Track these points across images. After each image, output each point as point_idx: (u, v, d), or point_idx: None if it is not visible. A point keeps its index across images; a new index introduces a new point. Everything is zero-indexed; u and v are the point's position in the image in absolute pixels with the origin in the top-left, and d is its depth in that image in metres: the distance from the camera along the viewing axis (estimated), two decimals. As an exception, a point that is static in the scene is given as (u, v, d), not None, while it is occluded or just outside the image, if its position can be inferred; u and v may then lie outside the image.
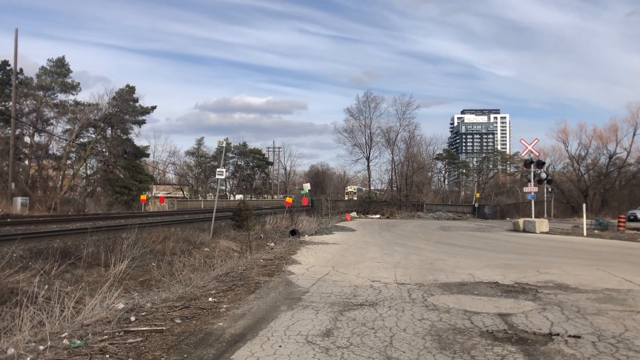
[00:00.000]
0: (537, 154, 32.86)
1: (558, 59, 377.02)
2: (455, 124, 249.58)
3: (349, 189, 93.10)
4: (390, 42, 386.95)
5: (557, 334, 5.83)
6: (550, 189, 52.36)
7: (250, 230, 23.45)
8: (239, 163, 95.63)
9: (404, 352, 5.17)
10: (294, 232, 23.77)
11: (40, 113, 47.82)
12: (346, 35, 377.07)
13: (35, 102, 47.69)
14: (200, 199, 76.02)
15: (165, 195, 66.30)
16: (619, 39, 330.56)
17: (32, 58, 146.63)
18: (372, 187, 68.25)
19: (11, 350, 5.08)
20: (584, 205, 28.21)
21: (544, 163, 34.20)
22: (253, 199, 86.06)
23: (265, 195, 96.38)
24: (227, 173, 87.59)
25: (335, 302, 7.75)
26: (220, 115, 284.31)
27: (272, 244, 19.52)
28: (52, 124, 49.98)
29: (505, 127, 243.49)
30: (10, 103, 41.72)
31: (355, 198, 78.40)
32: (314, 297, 8.23)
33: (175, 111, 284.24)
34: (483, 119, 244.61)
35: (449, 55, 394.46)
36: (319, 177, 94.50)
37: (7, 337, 5.71)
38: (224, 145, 25.87)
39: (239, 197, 78.52)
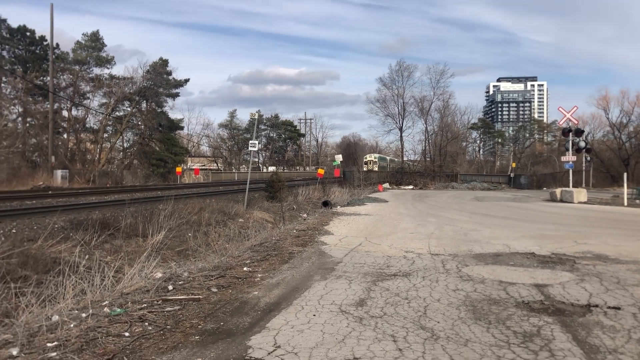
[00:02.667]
0: (576, 122, 31.93)
1: (600, 23, 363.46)
2: (491, 92, 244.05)
3: (368, 157, 77.08)
4: (424, 9, 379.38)
5: (596, 306, 5.73)
6: (589, 158, 51.04)
7: (283, 201, 23.62)
8: (271, 135, 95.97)
9: (438, 322, 5.16)
10: (326, 203, 23.84)
11: (76, 87, 48.66)
12: (379, 3, 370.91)
13: (71, 76, 48.50)
14: (233, 171, 76.85)
15: (200, 168, 67.24)
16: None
17: (70, 33, 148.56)
18: (405, 158, 67.68)
19: (55, 317, 5.26)
20: (625, 174, 27.38)
21: (582, 131, 33.21)
22: (285, 170, 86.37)
23: (297, 167, 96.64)
24: (260, 145, 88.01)
25: (369, 273, 7.77)
26: (253, 88, 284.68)
27: (305, 215, 19.63)
28: (88, 97, 50.91)
29: (543, 95, 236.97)
30: (48, 78, 42.56)
31: (376, 168, 68.44)
32: (347, 267, 8.27)
33: (209, 84, 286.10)
34: (519, 87, 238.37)
35: (486, 22, 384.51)
36: (350, 149, 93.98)
37: (51, 305, 5.91)
38: (256, 117, 25.95)
39: (271, 169, 79.01)
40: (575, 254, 9.47)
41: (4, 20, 45.43)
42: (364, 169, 66.43)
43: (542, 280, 7.17)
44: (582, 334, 4.78)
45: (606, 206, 23.86)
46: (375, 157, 76.80)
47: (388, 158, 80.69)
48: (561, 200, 27.15)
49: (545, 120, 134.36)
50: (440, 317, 5.34)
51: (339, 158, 45.46)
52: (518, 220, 16.86)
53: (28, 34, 47.15)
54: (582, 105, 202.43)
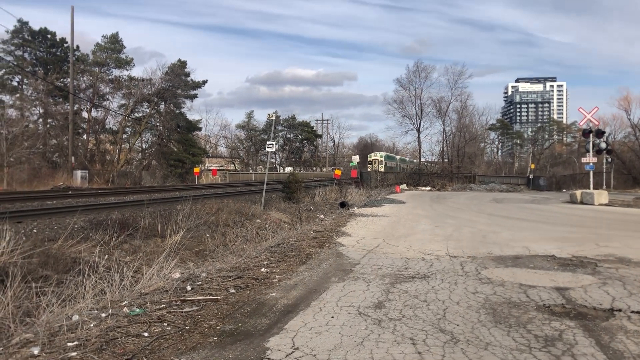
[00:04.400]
0: (597, 123, 31.47)
1: (621, 22, 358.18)
2: (509, 93, 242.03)
3: (372, 156, 68.31)
4: (443, 9, 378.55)
5: (619, 310, 5.62)
6: (610, 160, 50.28)
7: (300, 202, 23.64)
8: (288, 136, 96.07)
9: (457, 325, 5.11)
10: (343, 204, 23.79)
11: (96, 88, 49.26)
12: (398, 4, 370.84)
13: (91, 78, 49.12)
14: (250, 171, 77.15)
15: (218, 168, 67.61)
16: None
17: (90, 35, 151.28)
18: (422, 159, 67.29)
19: (76, 317, 5.31)
20: (647, 176, 26.91)
21: (603, 132, 32.70)
22: (302, 171, 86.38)
23: (314, 168, 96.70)
24: (277, 146, 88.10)
25: (387, 274, 7.72)
26: (271, 89, 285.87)
27: (322, 216, 19.61)
28: (108, 99, 51.49)
29: (562, 95, 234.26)
30: (68, 79, 43.13)
31: (382, 169, 61.75)
32: (364, 269, 8.23)
33: (227, 85, 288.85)
34: (538, 87, 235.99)
35: (505, 22, 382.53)
36: (367, 149, 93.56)
37: (71, 304, 5.96)
38: (274, 118, 26.00)
39: (288, 169, 79.09)
40: (597, 256, 9.32)
41: (26, 23, 46.18)
42: (368, 169, 60.18)
43: (563, 283, 7.06)
44: (605, 338, 4.70)
45: (628, 208, 23.48)
46: (381, 156, 68.49)
47: (398, 157, 76.93)
48: (581, 202, 26.77)
49: (564, 121, 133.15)
50: (459, 320, 5.29)
51: (355, 159, 45.40)
52: (537, 222, 16.66)
53: (49, 36, 47.87)
54: (603, 106, 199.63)
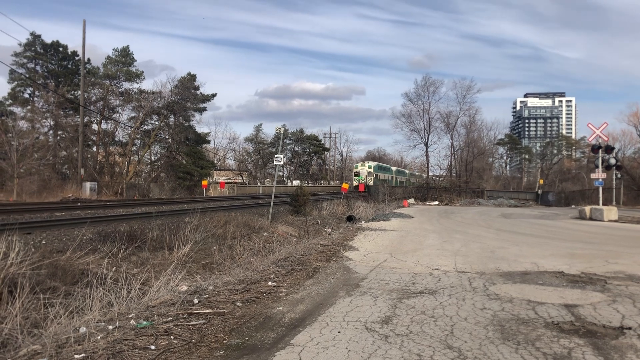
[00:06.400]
0: (606, 139, 31.33)
1: (631, 38, 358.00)
2: (518, 107, 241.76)
3: (359, 167, 59.39)
4: (452, 25, 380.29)
5: (629, 328, 5.56)
6: (619, 175, 50.00)
7: (307, 215, 23.61)
8: (296, 149, 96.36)
9: (465, 341, 5.07)
10: (350, 218, 23.77)
11: (106, 101, 49.69)
12: (407, 19, 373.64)
13: (102, 90, 49.58)
14: (258, 184, 77.26)
15: (226, 181, 67.74)
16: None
17: (101, 48, 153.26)
18: (430, 173, 67.20)
19: (83, 329, 5.32)
20: (657, 192, 26.70)
21: (613, 148, 32.55)
22: (310, 184, 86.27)
23: (322, 181, 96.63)
24: (285, 159, 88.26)
25: (394, 290, 7.69)
26: (280, 102, 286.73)
27: (329, 230, 19.58)
28: (117, 111, 51.94)
29: (571, 110, 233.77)
30: (79, 92, 43.56)
31: (371, 182, 53.40)
32: (372, 283, 8.20)
33: (236, 98, 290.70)
34: (547, 102, 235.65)
35: (514, 38, 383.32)
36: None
37: (79, 316, 5.98)
38: (282, 131, 26.08)
39: (296, 182, 79.06)
40: (606, 273, 9.24)
41: (39, 36, 46.83)
42: (354, 183, 52.97)
43: (572, 300, 7.00)
44: (615, 357, 4.65)
45: (638, 225, 23.28)
46: (370, 167, 58.77)
47: (394, 169, 72.54)
48: (590, 218, 26.59)
49: (573, 136, 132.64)
50: (467, 336, 5.25)
51: (363, 173, 45.36)
52: (546, 238, 16.56)
53: (61, 49, 48.52)
54: (612, 121, 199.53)
